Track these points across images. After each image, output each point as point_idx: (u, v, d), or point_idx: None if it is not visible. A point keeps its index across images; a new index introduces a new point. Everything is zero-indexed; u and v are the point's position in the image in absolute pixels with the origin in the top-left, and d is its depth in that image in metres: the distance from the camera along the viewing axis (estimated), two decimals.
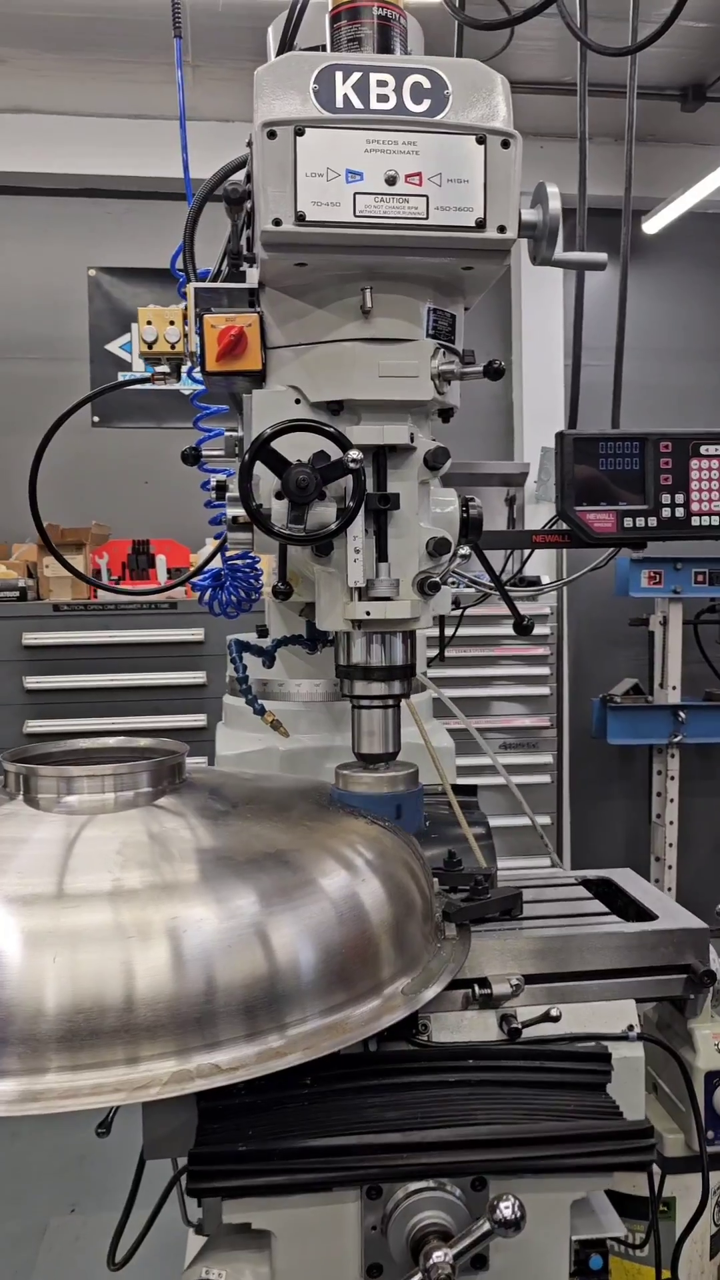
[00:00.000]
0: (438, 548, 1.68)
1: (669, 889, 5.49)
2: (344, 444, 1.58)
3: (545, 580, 5.40)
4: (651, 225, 6.21)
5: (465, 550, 1.72)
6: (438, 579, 1.68)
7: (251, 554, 2.25)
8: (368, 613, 1.64)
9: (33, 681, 4.73)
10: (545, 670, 5.33)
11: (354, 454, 1.56)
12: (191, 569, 2.65)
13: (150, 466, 5.78)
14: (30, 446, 6.25)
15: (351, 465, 1.56)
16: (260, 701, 1.94)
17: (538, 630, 5.31)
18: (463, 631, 5.14)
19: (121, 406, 5.85)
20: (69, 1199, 3.73)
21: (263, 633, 2.62)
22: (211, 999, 1.30)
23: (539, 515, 5.38)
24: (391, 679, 1.74)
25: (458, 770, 2.79)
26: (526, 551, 3.77)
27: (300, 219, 1.48)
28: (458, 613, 4.14)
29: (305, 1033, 1.36)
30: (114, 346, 5.79)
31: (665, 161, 6.05)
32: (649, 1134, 1.44)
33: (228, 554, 2.55)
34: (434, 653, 4.17)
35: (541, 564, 5.70)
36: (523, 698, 5.32)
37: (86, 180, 5.81)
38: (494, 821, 3.24)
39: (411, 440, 1.65)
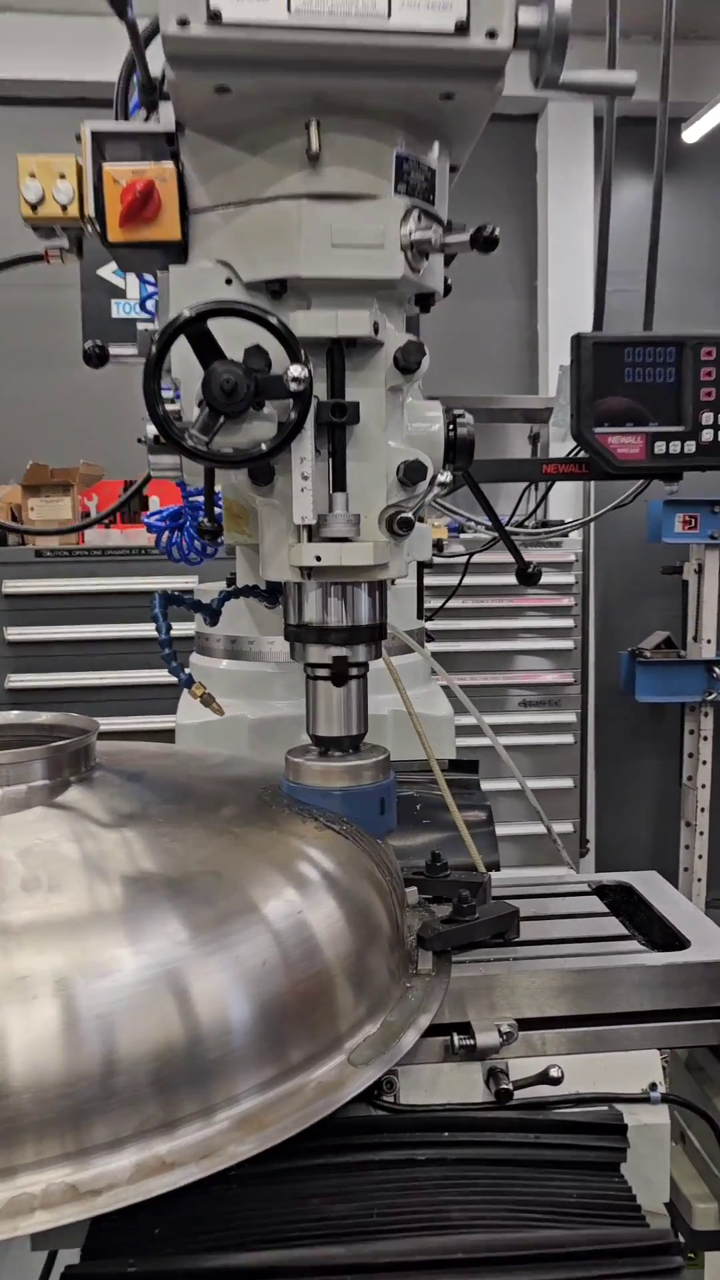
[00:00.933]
0: (410, 473, 1.30)
1: (700, 856, 5.13)
2: (285, 338, 1.20)
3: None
4: (691, 133, 5.67)
5: (446, 477, 1.34)
6: (410, 514, 1.30)
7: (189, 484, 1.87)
8: (318, 558, 1.27)
9: (14, 633, 4.39)
10: (569, 622, 4.93)
11: (296, 370, 1.18)
12: (118, 503, 2.28)
13: None
14: (22, 380, 5.84)
15: (292, 386, 1.19)
16: (188, 671, 1.57)
17: (562, 579, 4.90)
18: (480, 580, 4.77)
19: (116, 334, 5.43)
20: None
21: (232, 581, 2.27)
22: (107, 1081, 0.96)
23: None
24: (354, 643, 1.37)
25: (476, 727, 2.41)
26: (546, 487, 3.35)
27: (214, 19, 1.09)
28: (462, 559, 3.77)
29: (237, 1117, 1.02)
30: (106, 272, 5.36)
31: (709, 62, 5.49)
32: (674, 1250, 1.09)
33: (188, 489, 2.18)
34: (436, 604, 3.80)
35: (566, 506, 5.27)
36: (545, 652, 4.93)
37: (77, 88, 5.34)
38: (506, 786, 2.86)
39: (375, 332, 1.26)
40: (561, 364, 2.64)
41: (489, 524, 2.66)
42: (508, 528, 2.98)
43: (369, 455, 1.30)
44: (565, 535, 4.76)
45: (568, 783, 4.91)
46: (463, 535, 4.80)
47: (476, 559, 3.85)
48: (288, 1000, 1.10)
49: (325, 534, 1.27)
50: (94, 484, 4.94)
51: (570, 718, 4.93)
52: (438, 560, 4.42)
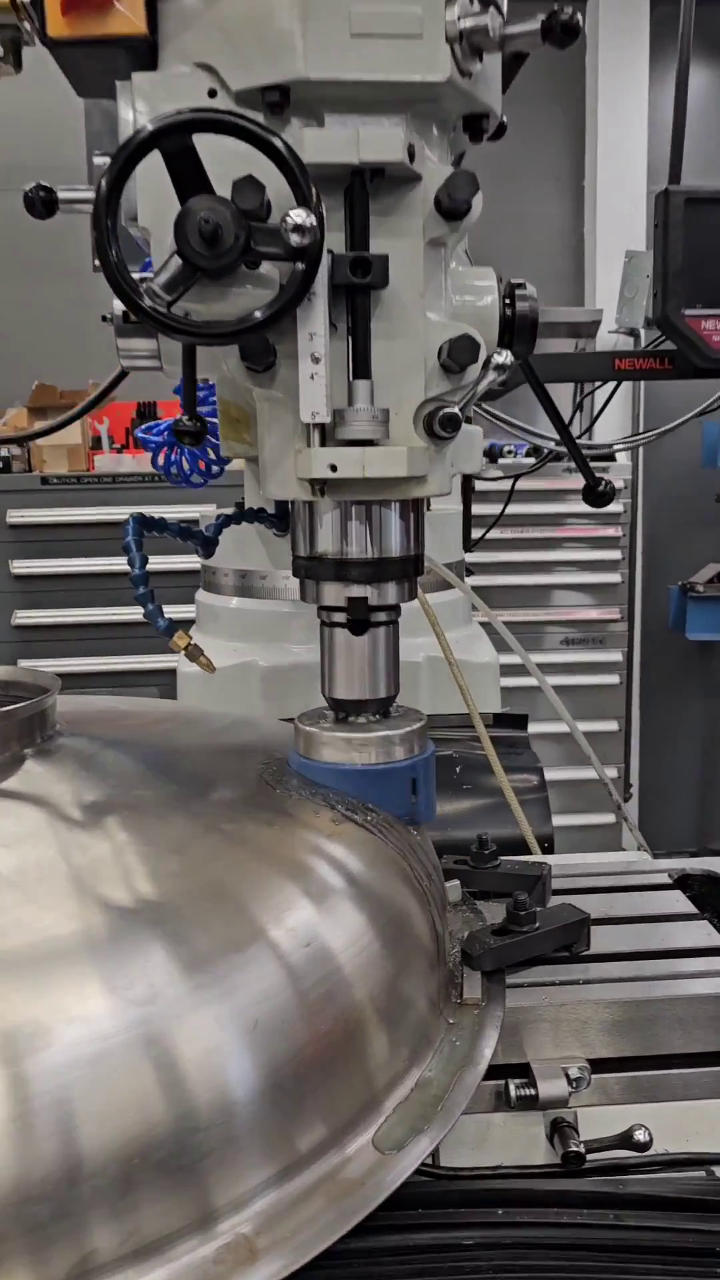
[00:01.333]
0: (457, 354, 0.98)
1: None
2: (289, 165, 0.88)
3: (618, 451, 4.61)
4: None
5: (505, 358, 1.01)
6: (457, 410, 0.98)
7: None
8: (333, 467, 0.95)
9: (21, 566, 4.11)
10: (616, 554, 4.58)
11: (297, 216, 0.86)
12: (82, 406, 1.96)
13: None
14: (29, 290, 5.44)
15: (293, 238, 0.87)
16: (166, 616, 1.27)
17: (608, 507, 4.53)
18: (519, 509, 4.41)
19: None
20: None
21: (241, 506, 1.96)
22: (71, 1185, 0.69)
23: None
24: (382, 579, 1.06)
25: (516, 666, 2.11)
26: (596, 401, 2.98)
27: None
28: (501, 482, 3.41)
29: (222, 1239, 0.74)
30: None
31: None
32: None
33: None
34: (474, 535, 3.46)
35: (610, 427, 4.86)
36: (589, 586, 4.60)
37: None
38: (546, 729, 2.55)
39: (410, 159, 0.93)
40: (628, 248, 2.30)
41: (539, 435, 2.32)
42: (551, 449, 2.64)
43: (402, 330, 0.98)
44: (613, 459, 4.40)
45: (612, 725, 4.61)
46: (501, 460, 4.44)
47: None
48: (301, 1065, 0.82)
49: (343, 436, 0.96)
50: (104, 406, 4.62)
51: (615, 657, 4.62)
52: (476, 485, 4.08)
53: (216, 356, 1.05)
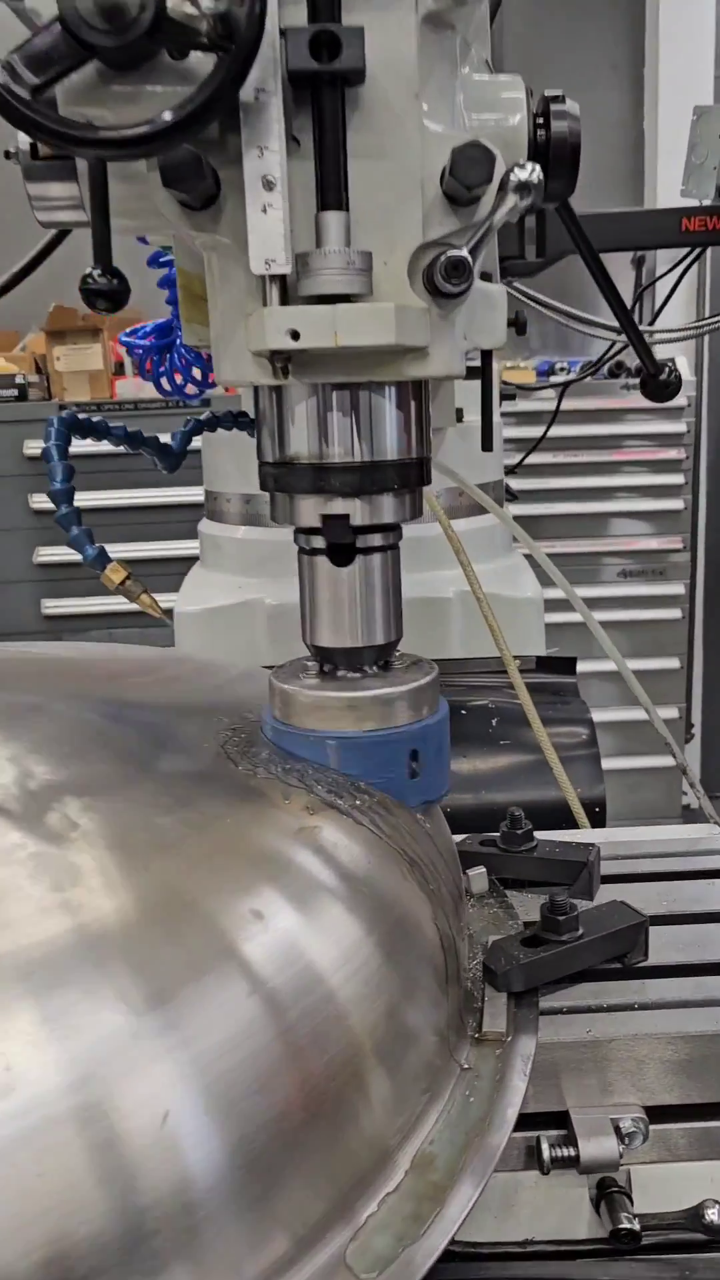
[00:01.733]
0: (464, 170, 0.71)
1: None
2: None
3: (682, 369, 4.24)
4: None
5: (528, 173, 0.74)
6: (465, 254, 0.72)
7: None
8: (295, 334, 0.70)
9: (40, 501, 3.90)
10: (678, 478, 4.24)
11: None
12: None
13: None
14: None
15: (205, 3, 0.61)
16: (95, 544, 1.04)
17: (669, 427, 4.19)
18: (573, 431, 4.10)
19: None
20: None
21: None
22: None
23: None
24: (374, 490, 0.81)
25: (567, 601, 1.86)
26: (657, 297, 2.65)
27: None
28: (547, 404, 3.08)
29: None
30: None
31: None
32: None
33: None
34: (515, 459, 3.19)
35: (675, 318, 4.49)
36: (648, 514, 4.26)
37: None
38: (599, 668, 2.27)
39: None
40: (697, 103, 2.00)
41: (588, 320, 2.02)
42: (613, 339, 2.34)
43: (390, 145, 0.72)
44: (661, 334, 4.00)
45: (673, 663, 4.31)
46: (553, 378, 4.12)
47: (564, 404, 3.20)
48: (269, 1144, 0.61)
49: (308, 291, 0.70)
50: (126, 328, 4.36)
51: (677, 589, 4.30)
52: (518, 405, 3.77)
53: (149, 198, 0.79)
